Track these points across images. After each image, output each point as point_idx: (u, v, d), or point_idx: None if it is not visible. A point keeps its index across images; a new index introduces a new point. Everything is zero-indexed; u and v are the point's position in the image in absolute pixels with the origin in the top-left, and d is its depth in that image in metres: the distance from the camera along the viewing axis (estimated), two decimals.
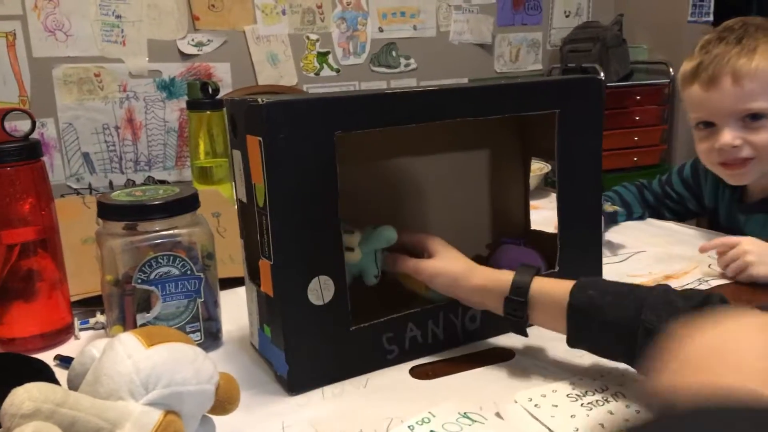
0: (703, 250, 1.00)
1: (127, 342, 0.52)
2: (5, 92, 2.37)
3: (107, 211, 0.73)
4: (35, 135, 0.78)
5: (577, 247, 0.81)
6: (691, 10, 2.98)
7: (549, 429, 0.59)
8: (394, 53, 2.94)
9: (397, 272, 0.76)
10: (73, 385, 0.54)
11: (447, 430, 0.59)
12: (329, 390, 0.68)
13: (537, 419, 0.60)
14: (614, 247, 1.11)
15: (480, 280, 0.71)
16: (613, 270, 0.97)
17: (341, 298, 0.68)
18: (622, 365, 0.66)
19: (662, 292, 0.62)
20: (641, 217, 1.27)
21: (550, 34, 3.25)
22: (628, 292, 0.64)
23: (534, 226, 0.93)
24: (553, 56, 3.25)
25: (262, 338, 0.72)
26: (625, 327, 0.61)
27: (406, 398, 0.65)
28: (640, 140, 2.94)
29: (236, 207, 0.75)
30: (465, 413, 0.61)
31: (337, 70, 2.85)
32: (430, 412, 0.61)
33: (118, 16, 2.48)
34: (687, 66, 1.09)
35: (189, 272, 0.74)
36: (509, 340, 0.76)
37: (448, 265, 0.73)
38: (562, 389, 0.65)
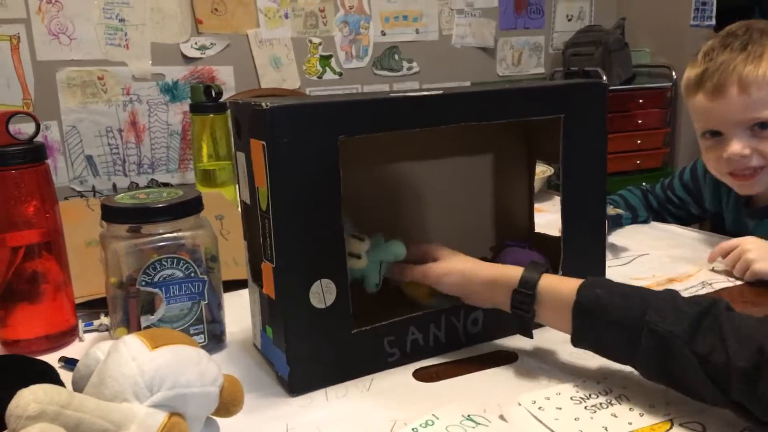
0: (711, 260, 1.00)
1: (132, 344, 0.52)
2: (9, 95, 2.38)
3: (111, 213, 0.73)
4: (39, 138, 0.79)
5: (581, 250, 0.81)
6: (693, 14, 2.98)
7: None
8: (396, 57, 2.95)
9: (402, 281, 0.77)
10: (78, 387, 0.54)
11: None
12: (333, 392, 0.68)
13: (541, 422, 0.60)
14: (617, 250, 1.11)
15: (489, 274, 0.72)
16: (616, 273, 0.97)
17: (343, 302, 0.68)
18: (626, 368, 0.66)
19: (669, 295, 0.62)
20: (646, 221, 1.27)
21: (552, 37, 3.25)
22: (634, 293, 0.64)
23: (537, 229, 0.94)
24: (555, 60, 3.25)
25: (265, 339, 0.73)
26: (629, 327, 0.61)
27: (409, 401, 0.65)
28: (643, 143, 2.95)
29: (240, 209, 0.75)
30: (469, 416, 0.61)
31: (340, 74, 2.86)
32: (433, 415, 0.61)
33: (122, 20, 2.48)
34: (690, 73, 1.06)
35: (193, 275, 0.74)
36: (513, 342, 0.76)
37: (457, 264, 0.73)
38: (565, 392, 0.65)
